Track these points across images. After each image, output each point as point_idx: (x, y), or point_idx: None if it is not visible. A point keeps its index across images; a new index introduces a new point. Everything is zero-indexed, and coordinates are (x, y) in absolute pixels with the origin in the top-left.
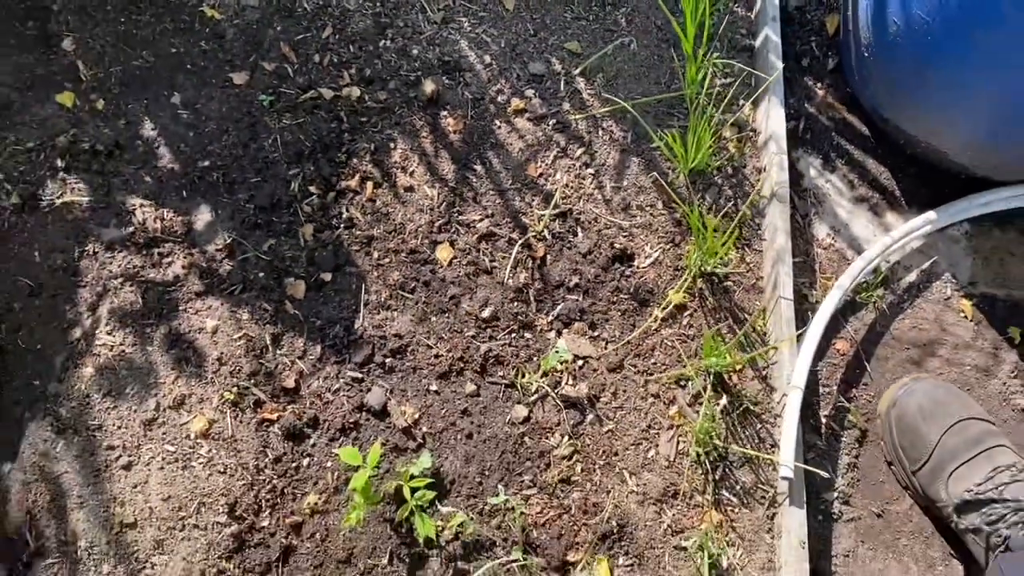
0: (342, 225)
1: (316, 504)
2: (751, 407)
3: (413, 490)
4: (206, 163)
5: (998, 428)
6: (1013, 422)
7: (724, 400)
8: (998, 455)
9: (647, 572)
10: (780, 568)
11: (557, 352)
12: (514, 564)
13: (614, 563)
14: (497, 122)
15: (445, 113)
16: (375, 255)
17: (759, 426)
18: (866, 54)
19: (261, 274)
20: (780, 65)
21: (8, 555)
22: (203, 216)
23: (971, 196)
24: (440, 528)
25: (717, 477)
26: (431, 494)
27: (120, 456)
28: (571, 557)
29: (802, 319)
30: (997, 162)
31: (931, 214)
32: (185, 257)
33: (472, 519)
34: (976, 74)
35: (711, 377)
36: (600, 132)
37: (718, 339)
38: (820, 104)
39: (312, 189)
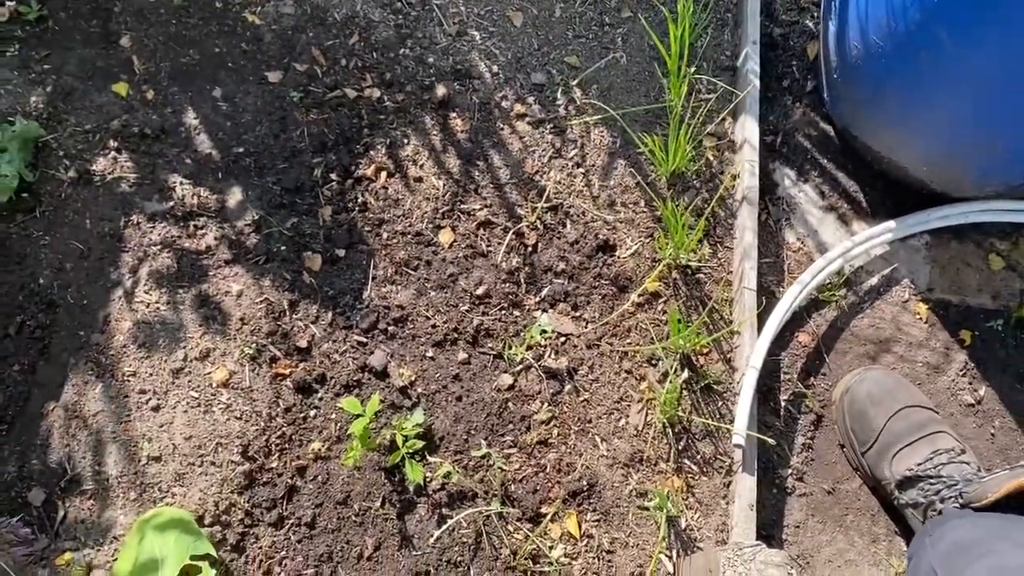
0: (357, 208)
1: (319, 451)
2: (714, 386)
3: (405, 438)
4: (240, 149)
5: (941, 416)
6: (959, 415)
7: (691, 378)
8: (939, 440)
9: (612, 527)
10: (732, 529)
11: (539, 325)
12: (493, 513)
13: (582, 518)
14: (500, 124)
15: (454, 115)
16: (384, 236)
17: (720, 403)
18: (835, 76)
19: (283, 247)
20: (757, 82)
21: (48, 481)
22: (235, 195)
23: (930, 209)
24: (428, 479)
25: (680, 447)
26: (421, 443)
27: (150, 399)
28: (544, 510)
29: (769, 314)
30: (951, 177)
31: (891, 223)
32: (217, 230)
33: (457, 472)
34: (925, 94)
35: (680, 357)
36: (592, 137)
37: (683, 321)
38: (797, 121)
39: (332, 176)
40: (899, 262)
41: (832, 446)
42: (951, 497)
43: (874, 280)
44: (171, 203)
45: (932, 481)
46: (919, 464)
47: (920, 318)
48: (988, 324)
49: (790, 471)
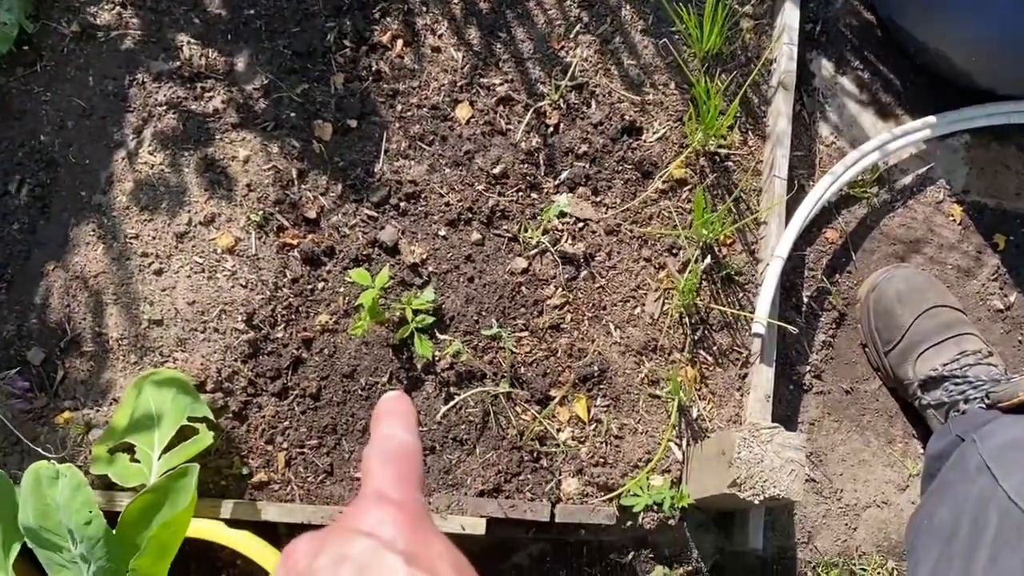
0: (371, 77)
1: (326, 323)
2: (735, 277)
3: (415, 312)
4: (251, 11)
5: (969, 319)
6: (987, 321)
7: (712, 267)
8: (966, 341)
9: (622, 413)
10: (745, 420)
11: (558, 207)
12: (501, 393)
13: (592, 403)
14: None
15: None
16: (398, 108)
17: (741, 295)
18: None
19: (293, 114)
20: None
21: (48, 341)
22: (244, 58)
23: (974, 107)
24: (437, 357)
25: (696, 337)
26: (431, 319)
27: (153, 263)
28: (553, 393)
29: (798, 205)
30: (998, 72)
31: (931, 119)
32: (225, 93)
33: (467, 351)
34: None
35: (702, 246)
36: (623, 12)
37: (708, 207)
38: (839, 10)
39: (346, 42)
40: (936, 161)
41: (853, 345)
42: (976, 398)
43: (908, 179)
44: (178, 63)
45: (958, 381)
46: (945, 364)
47: (954, 220)
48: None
49: (808, 368)
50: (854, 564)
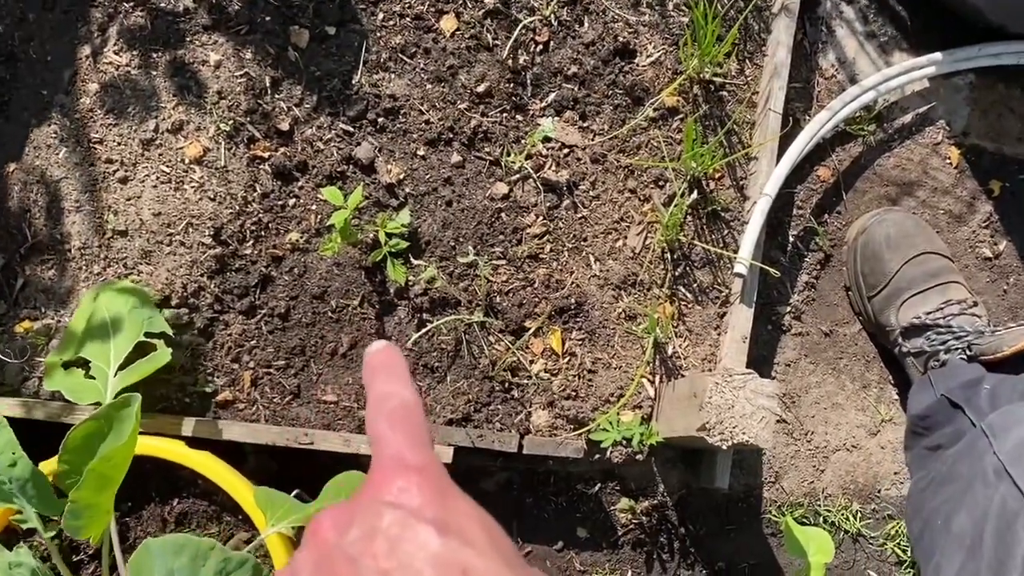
0: None
1: (297, 242)
2: (722, 213)
3: (389, 236)
4: None
5: (956, 267)
6: (974, 269)
7: (698, 202)
8: (951, 290)
9: (596, 347)
10: (720, 360)
11: (543, 131)
12: (475, 322)
13: (567, 336)
14: None
15: None
16: (380, 16)
17: (726, 232)
18: None
19: (268, 18)
20: None
21: (7, 246)
22: None
23: (982, 45)
24: (411, 282)
25: (677, 274)
26: (405, 243)
27: (117, 170)
28: (528, 324)
29: (791, 142)
30: (1012, 8)
31: (936, 55)
32: None
33: (442, 278)
34: None
35: (690, 179)
36: None
37: (699, 139)
38: None
39: None
40: (938, 101)
41: (836, 288)
42: (958, 348)
43: (908, 118)
44: None
45: (940, 331)
46: (928, 313)
47: (950, 163)
48: (1021, 177)
49: (788, 309)
50: (819, 505)
